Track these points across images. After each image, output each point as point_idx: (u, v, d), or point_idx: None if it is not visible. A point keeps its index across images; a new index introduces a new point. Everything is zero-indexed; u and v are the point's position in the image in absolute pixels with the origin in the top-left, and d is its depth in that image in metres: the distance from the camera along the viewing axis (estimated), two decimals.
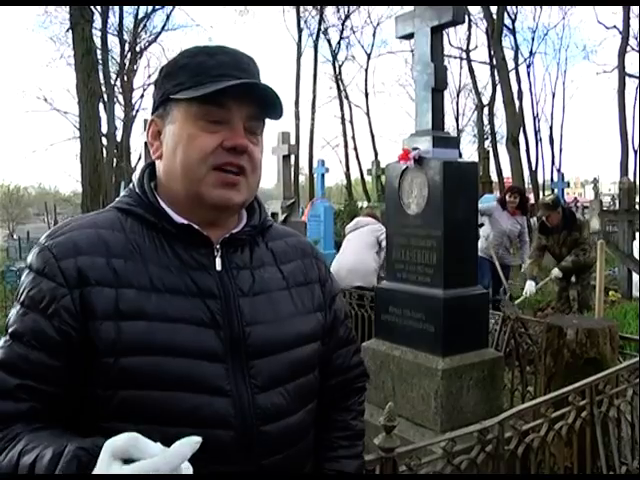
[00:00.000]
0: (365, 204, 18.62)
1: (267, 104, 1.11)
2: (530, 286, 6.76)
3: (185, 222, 1.10)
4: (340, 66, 31.05)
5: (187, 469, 0.81)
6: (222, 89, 1.04)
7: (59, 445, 0.89)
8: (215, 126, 1.08)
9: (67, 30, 15.73)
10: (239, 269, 1.14)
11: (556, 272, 6.73)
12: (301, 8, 27.91)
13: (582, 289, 6.96)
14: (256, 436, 1.08)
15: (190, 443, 0.80)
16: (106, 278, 1.03)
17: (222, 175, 1.08)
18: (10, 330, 1.02)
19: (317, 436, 1.27)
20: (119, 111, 25.81)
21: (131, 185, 1.18)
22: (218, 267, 1.12)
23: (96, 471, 0.82)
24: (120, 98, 26.41)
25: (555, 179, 24.65)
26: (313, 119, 28.53)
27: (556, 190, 17.46)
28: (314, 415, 1.24)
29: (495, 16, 20.58)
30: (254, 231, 1.20)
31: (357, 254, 6.06)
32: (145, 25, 27.28)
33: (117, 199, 1.18)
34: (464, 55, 28.96)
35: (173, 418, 1.01)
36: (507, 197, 7.23)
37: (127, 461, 0.81)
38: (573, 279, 7.07)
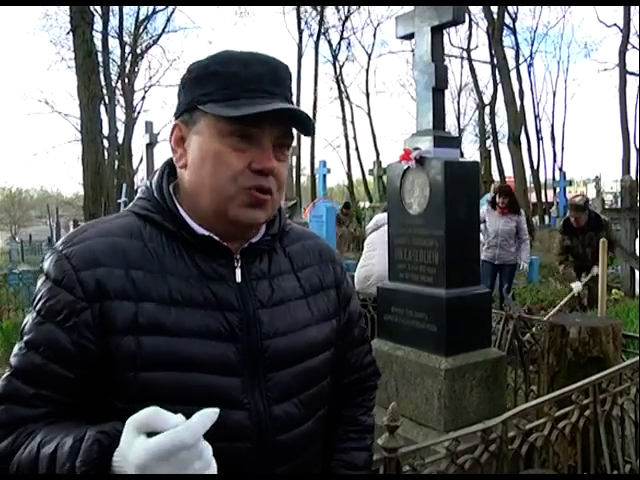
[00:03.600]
0: (367, 204, 18.63)
1: (298, 122, 1.09)
2: (577, 287, 6.80)
3: (206, 233, 1.08)
4: (341, 67, 31.17)
5: (207, 447, 0.84)
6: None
7: (79, 432, 0.90)
8: (244, 144, 1.05)
9: (68, 33, 15.81)
10: (258, 279, 1.13)
11: (596, 270, 6.80)
12: (301, 9, 27.94)
13: (594, 286, 6.97)
14: (272, 446, 1.09)
15: (209, 414, 0.83)
16: (125, 291, 1.01)
17: (252, 195, 1.06)
18: (26, 338, 1.01)
19: (327, 431, 1.28)
20: (120, 113, 25.90)
21: (148, 184, 1.15)
22: (238, 278, 1.10)
23: (121, 447, 0.84)
24: (121, 100, 26.47)
25: (557, 178, 24.65)
26: (314, 120, 28.41)
27: (558, 189, 17.44)
28: (323, 420, 1.25)
29: (496, 15, 20.56)
30: (273, 240, 1.19)
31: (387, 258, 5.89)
32: (146, 27, 27.39)
33: (134, 202, 1.15)
34: (465, 55, 28.93)
35: None
36: (497, 198, 7.34)
37: (150, 435, 0.83)
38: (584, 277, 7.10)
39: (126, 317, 1.00)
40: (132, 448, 0.82)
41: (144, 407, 0.99)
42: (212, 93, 1.05)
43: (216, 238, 1.09)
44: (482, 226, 7.23)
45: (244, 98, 1.03)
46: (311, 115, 1.07)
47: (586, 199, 7.20)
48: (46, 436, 0.93)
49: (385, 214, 6.16)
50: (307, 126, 1.10)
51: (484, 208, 7.51)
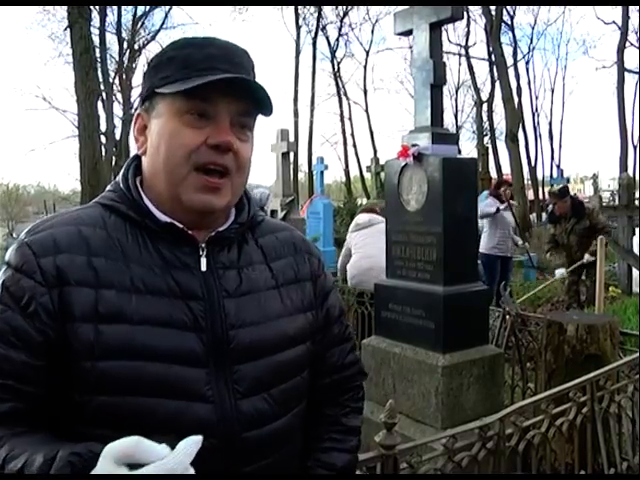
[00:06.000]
0: (365, 201, 18.62)
1: (256, 99, 1.07)
2: (560, 273, 7.15)
3: (169, 221, 1.06)
4: (339, 63, 31.04)
5: (190, 469, 0.81)
6: (207, 83, 1.00)
7: (49, 450, 0.85)
8: (200, 121, 1.04)
9: (65, 28, 15.72)
10: (225, 269, 1.10)
11: (588, 257, 6.93)
12: (299, 5, 27.88)
13: (592, 284, 7.01)
14: (239, 443, 1.04)
15: (195, 441, 0.80)
16: (86, 278, 0.99)
17: (203, 178, 1.04)
18: None
19: (307, 432, 1.23)
20: (118, 109, 25.80)
21: (117, 179, 1.14)
22: (203, 267, 1.08)
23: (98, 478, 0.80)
24: (119, 96, 26.40)
25: (554, 175, 24.71)
26: (312, 116, 28.53)
27: (555, 186, 17.48)
28: (302, 418, 1.20)
29: (494, 12, 20.55)
30: (242, 228, 1.15)
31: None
32: (143, 23, 27.29)
33: (102, 194, 1.14)
34: (463, 51, 28.90)
35: (152, 425, 0.96)
36: (504, 190, 7.60)
37: (132, 466, 0.78)
38: (583, 276, 7.16)
39: (85, 304, 0.98)
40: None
41: (102, 399, 0.96)
42: (168, 76, 1.05)
43: (180, 226, 1.07)
44: (484, 220, 7.42)
45: (196, 76, 1.03)
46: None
47: (563, 186, 7.49)
48: (12, 450, 0.89)
49: (374, 215, 6.19)
50: (265, 102, 1.07)
51: (491, 201, 7.65)
